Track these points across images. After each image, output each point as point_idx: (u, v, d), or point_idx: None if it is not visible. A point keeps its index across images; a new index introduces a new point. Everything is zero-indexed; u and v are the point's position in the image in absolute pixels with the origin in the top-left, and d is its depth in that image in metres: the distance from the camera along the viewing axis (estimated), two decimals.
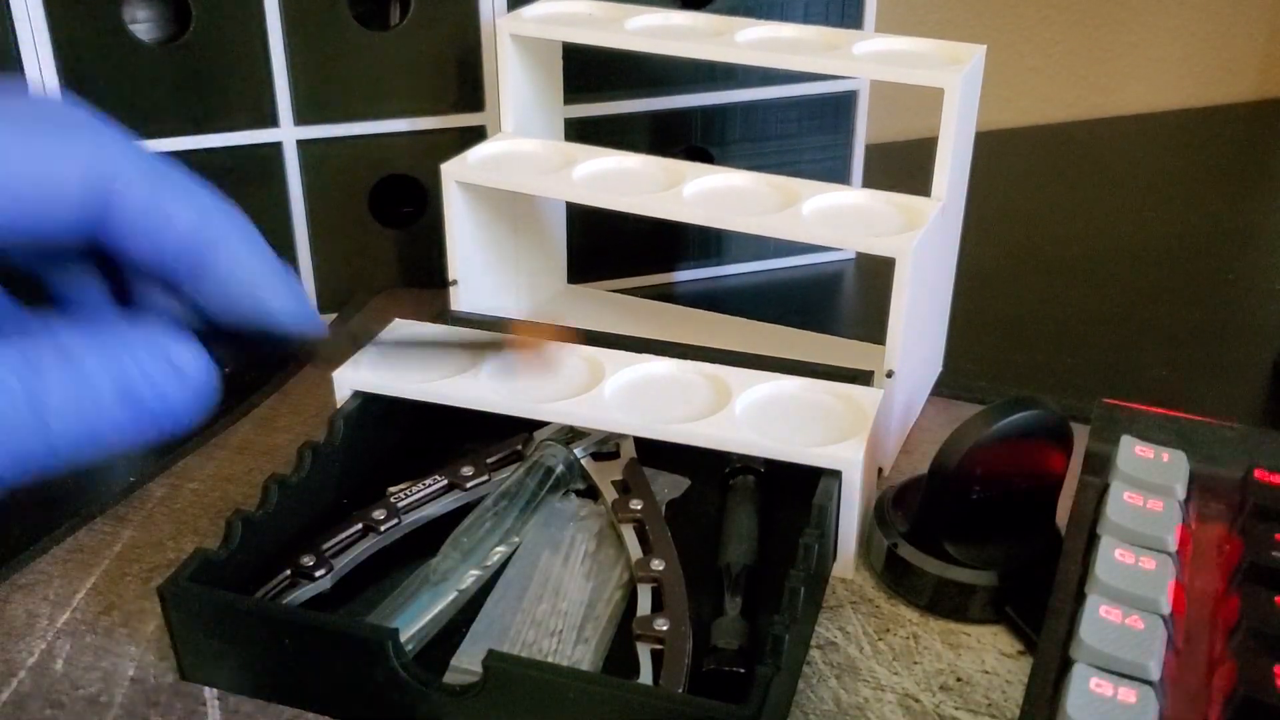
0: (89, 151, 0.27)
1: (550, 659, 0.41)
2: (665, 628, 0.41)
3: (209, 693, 0.41)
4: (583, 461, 0.50)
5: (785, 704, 0.39)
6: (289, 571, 0.44)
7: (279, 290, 0.30)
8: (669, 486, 0.50)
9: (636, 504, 0.48)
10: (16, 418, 0.25)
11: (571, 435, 0.51)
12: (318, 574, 0.44)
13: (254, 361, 0.31)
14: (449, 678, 0.40)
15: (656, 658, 0.40)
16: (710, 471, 0.50)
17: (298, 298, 0.31)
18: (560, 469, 0.49)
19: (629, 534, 0.47)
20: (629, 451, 0.51)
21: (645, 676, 0.40)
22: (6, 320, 0.29)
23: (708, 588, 0.44)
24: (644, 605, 0.43)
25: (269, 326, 0.30)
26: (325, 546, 0.45)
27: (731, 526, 0.47)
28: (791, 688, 0.40)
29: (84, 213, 0.27)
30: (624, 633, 0.43)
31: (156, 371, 0.27)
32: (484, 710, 0.38)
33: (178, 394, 0.27)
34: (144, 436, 0.27)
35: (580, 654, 0.41)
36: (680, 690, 0.39)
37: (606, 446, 0.51)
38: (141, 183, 0.28)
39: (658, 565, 0.44)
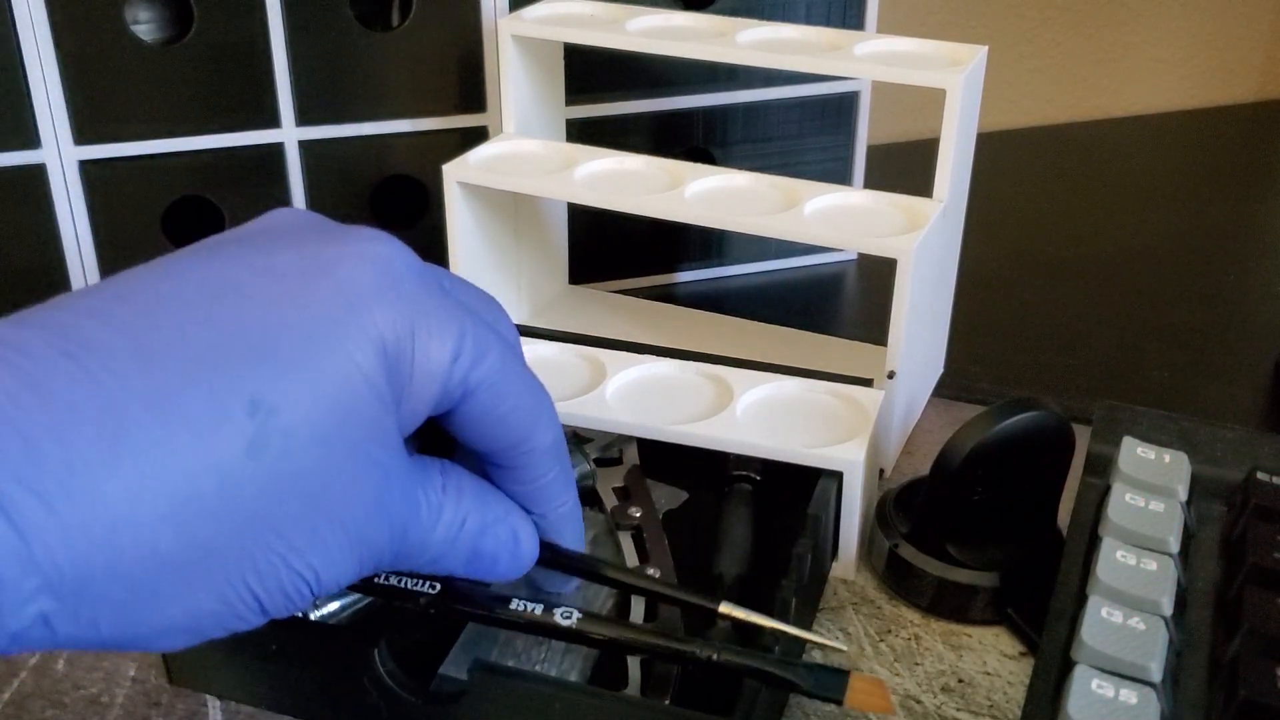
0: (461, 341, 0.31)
1: (538, 668, 0.40)
2: None
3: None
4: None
5: (774, 716, 0.39)
6: None
7: (565, 521, 0.36)
8: (667, 498, 0.50)
9: (635, 511, 0.48)
10: (413, 536, 0.31)
11: (576, 439, 0.51)
12: None
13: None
14: (436, 686, 0.40)
15: (645, 668, 0.40)
16: (710, 482, 0.50)
17: (575, 532, 0.36)
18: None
19: (626, 541, 0.47)
20: (632, 458, 0.51)
21: (634, 688, 0.40)
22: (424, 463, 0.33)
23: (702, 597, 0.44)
24: (637, 614, 0.43)
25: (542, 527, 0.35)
26: None
27: (725, 536, 0.47)
28: (782, 699, 0.40)
29: (444, 400, 0.31)
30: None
31: (503, 544, 0.34)
32: (470, 719, 0.38)
33: (508, 565, 0.34)
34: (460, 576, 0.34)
35: (569, 664, 0.41)
36: (668, 702, 0.39)
37: (610, 452, 0.51)
38: (494, 383, 0.32)
39: (653, 574, 0.44)
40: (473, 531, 0.33)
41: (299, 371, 0.27)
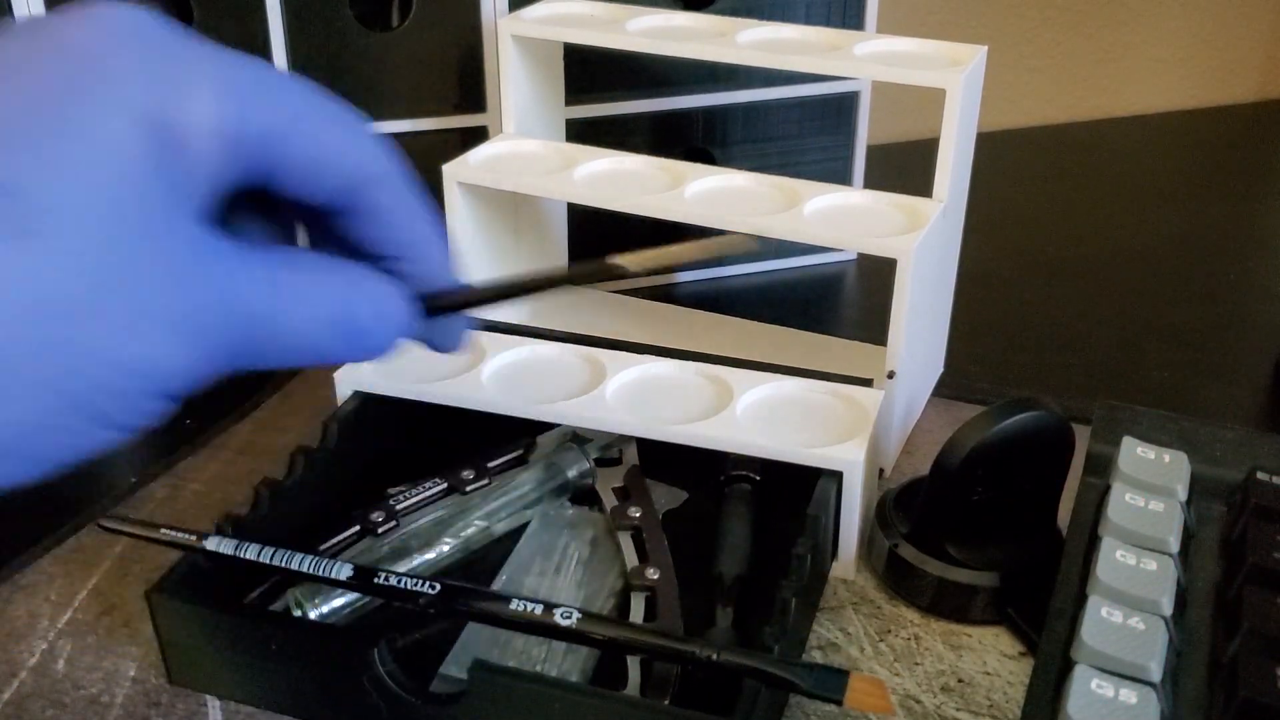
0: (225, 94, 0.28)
1: (539, 668, 0.40)
2: None
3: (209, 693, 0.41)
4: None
5: (775, 715, 0.39)
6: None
7: (430, 243, 0.33)
8: (666, 498, 0.50)
9: (635, 511, 0.47)
10: (259, 314, 0.28)
11: (576, 439, 0.51)
12: None
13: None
14: (436, 686, 0.40)
15: (645, 668, 0.40)
16: (710, 482, 0.50)
17: (442, 256, 0.33)
18: (573, 475, 0.49)
19: (626, 541, 0.46)
20: (631, 458, 0.51)
21: (634, 688, 0.40)
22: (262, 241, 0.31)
23: (702, 597, 0.44)
24: (637, 614, 0.43)
25: (410, 279, 0.32)
26: (322, 548, 0.45)
27: (725, 536, 0.46)
28: (782, 699, 0.40)
29: (241, 157, 0.28)
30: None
31: (367, 303, 0.30)
32: (470, 719, 0.38)
33: (383, 327, 0.31)
34: (342, 361, 0.31)
35: (569, 663, 0.41)
36: (668, 702, 0.39)
37: (610, 453, 0.51)
38: (288, 119, 0.30)
39: (652, 574, 0.44)
40: (326, 303, 0.30)
41: (51, 154, 0.25)
